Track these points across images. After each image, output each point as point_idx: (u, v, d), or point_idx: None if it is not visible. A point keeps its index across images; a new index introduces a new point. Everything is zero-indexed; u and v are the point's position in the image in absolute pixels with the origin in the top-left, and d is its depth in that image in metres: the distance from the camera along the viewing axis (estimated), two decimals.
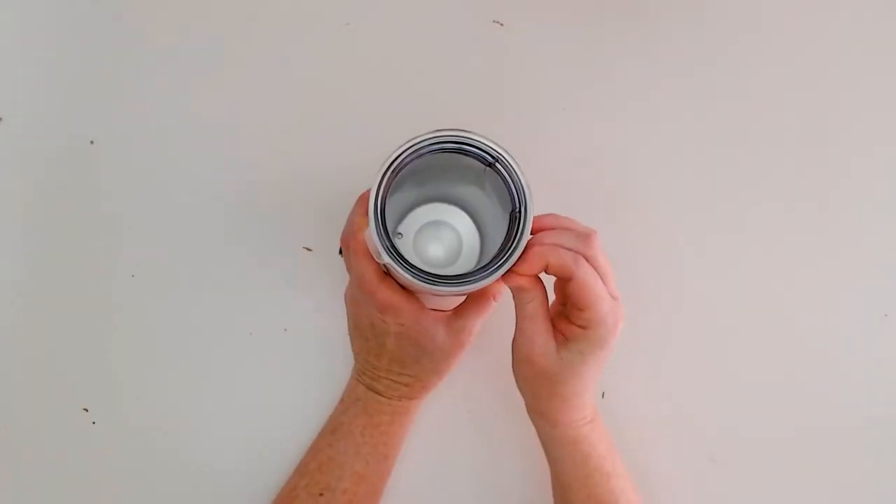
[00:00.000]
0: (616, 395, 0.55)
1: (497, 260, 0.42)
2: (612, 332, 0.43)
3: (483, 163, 0.43)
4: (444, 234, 0.53)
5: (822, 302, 0.56)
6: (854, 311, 0.56)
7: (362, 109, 0.58)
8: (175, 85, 0.58)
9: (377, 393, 0.50)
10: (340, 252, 0.48)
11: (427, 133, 0.42)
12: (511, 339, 0.45)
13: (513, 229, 0.43)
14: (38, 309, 0.55)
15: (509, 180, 0.43)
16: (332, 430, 0.51)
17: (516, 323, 0.45)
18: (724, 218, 0.57)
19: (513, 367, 0.46)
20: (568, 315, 0.44)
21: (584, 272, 0.42)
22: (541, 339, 0.44)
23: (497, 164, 0.43)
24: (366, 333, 0.48)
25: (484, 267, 0.42)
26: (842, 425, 0.55)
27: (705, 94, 0.59)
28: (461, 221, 0.53)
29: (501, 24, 0.59)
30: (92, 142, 0.57)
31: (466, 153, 0.43)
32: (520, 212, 0.43)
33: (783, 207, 0.58)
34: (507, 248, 0.42)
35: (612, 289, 0.43)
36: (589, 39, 0.59)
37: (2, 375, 0.55)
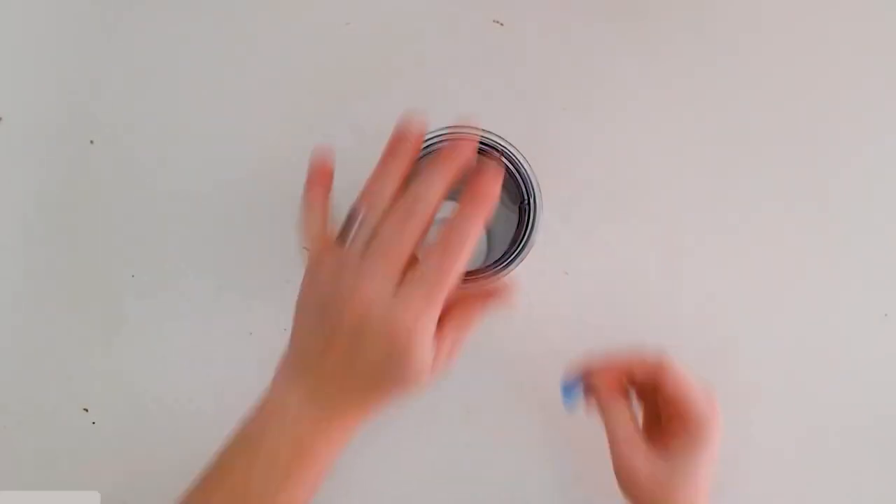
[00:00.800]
0: None
1: (509, 254, 0.42)
2: (715, 425, 0.42)
3: (488, 157, 0.43)
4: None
5: (822, 302, 0.56)
6: (854, 311, 0.56)
7: (362, 109, 0.58)
8: (175, 85, 0.58)
9: (316, 402, 0.39)
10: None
11: (436, 129, 0.42)
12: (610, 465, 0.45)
13: (523, 221, 0.43)
14: (39, 309, 0.55)
15: (516, 173, 0.43)
16: (250, 451, 0.40)
17: (612, 450, 0.44)
18: (723, 218, 0.57)
19: (622, 493, 0.44)
20: (665, 424, 0.43)
21: (674, 369, 0.42)
22: (641, 458, 0.42)
23: (502, 158, 0.43)
24: (341, 329, 0.38)
25: (497, 262, 0.42)
26: (842, 425, 0.55)
27: (706, 93, 0.59)
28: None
29: (501, 24, 0.59)
30: (92, 142, 0.57)
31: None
32: (529, 204, 0.42)
33: (783, 207, 0.58)
34: (519, 242, 0.42)
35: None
36: (589, 39, 0.59)
37: (2, 375, 0.55)
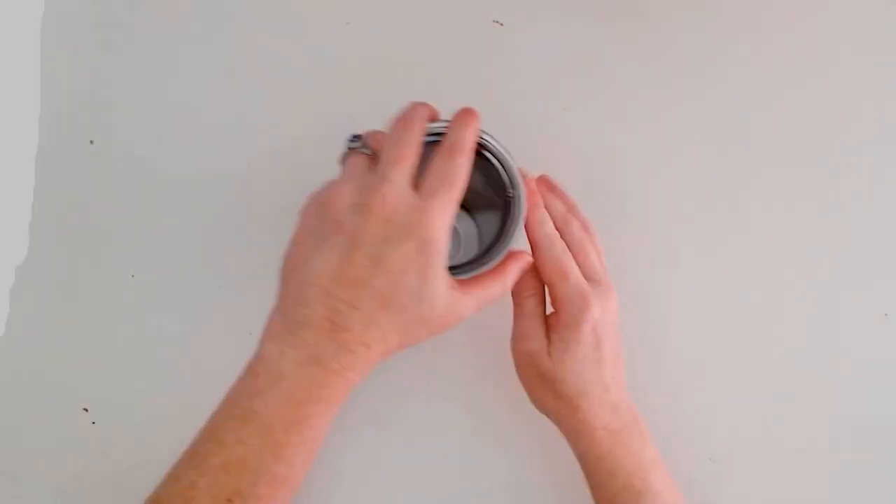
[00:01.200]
0: None
1: (496, 244, 0.43)
2: (581, 314, 0.41)
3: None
4: None
5: (823, 302, 0.56)
6: (854, 311, 0.56)
7: (362, 109, 0.58)
8: (175, 85, 0.58)
9: (314, 364, 0.36)
10: (354, 140, 0.42)
11: (436, 124, 0.43)
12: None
13: (508, 213, 0.43)
14: (38, 308, 0.55)
15: (499, 165, 0.44)
16: (243, 419, 0.37)
17: (514, 326, 0.45)
18: (723, 218, 0.57)
19: (517, 371, 0.46)
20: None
21: (549, 242, 0.42)
22: (536, 336, 0.43)
23: (484, 151, 0.44)
24: (361, 241, 0.36)
25: (483, 252, 0.43)
26: (842, 425, 0.55)
27: (706, 93, 0.59)
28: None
29: (501, 24, 0.59)
30: (92, 142, 0.57)
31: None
32: (513, 196, 0.43)
33: (783, 207, 0.58)
34: (505, 232, 0.43)
35: (588, 270, 0.43)
36: (589, 39, 0.59)
37: (2, 375, 0.55)
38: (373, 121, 0.57)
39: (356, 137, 0.41)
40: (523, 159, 0.57)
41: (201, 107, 0.58)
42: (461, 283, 0.40)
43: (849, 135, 0.58)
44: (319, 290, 0.36)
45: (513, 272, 0.42)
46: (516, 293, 0.44)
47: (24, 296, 0.55)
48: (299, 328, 0.36)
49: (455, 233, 0.53)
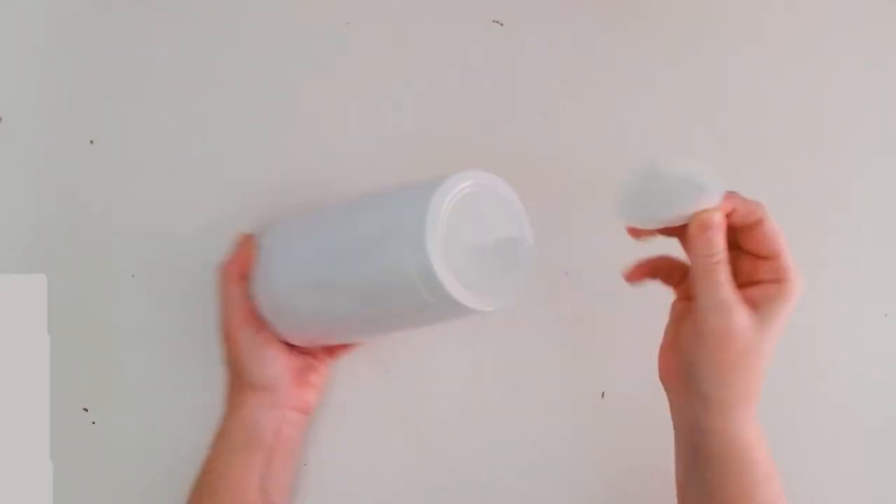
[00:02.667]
0: (616, 395, 0.55)
1: None
2: (801, 280, 0.40)
3: None
4: None
5: (823, 302, 0.56)
6: (854, 311, 0.56)
7: (362, 109, 0.58)
8: (175, 85, 0.58)
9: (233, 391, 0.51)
10: None
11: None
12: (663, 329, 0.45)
13: None
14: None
15: None
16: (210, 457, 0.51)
17: (700, 302, 0.40)
18: None
19: (688, 348, 0.41)
20: (751, 273, 0.41)
21: (771, 216, 0.40)
22: (739, 308, 0.39)
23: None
24: None
25: None
26: (842, 425, 0.55)
27: (706, 93, 0.59)
28: None
29: (501, 24, 0.59)
30: (92, 142, 0.57)
31: None
32: None
33: (783, 207, 0.57)
34: None
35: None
36: (589, 39, 0.59)
37: (2, 375, 0.55)
38: (371, 120, 0.58)
39: None
40: (523, 159, 0.57)
41: (201, 106, 0.57)
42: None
43: (849, 135, 0.58)
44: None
45: None
46: (704, 252, 0.40)
47: (24, 296, 0.55)
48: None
49: None
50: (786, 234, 0.57)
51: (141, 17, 0.59)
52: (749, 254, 0.42)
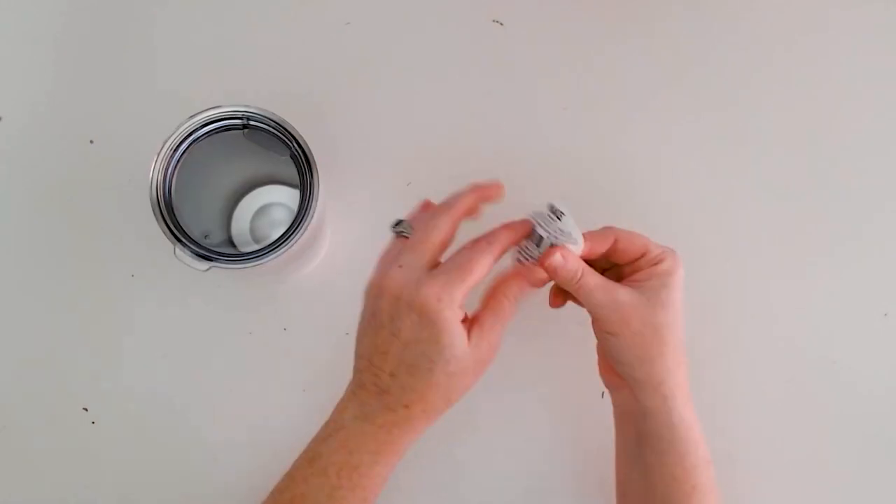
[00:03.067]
0: None
1: (289, 231, 0.44)
2: (675, 256, 0.46)
3: (242, 129, 0.46)
4: (276, 215, 0.55)
5: (823, 302, 0.56)
6: (854, 311, 0.56)
7: (361, 109, 0.58)
8: (175, 85, 0.58)
9: (365, 419, 0.43)
10: (397, 225, 0.46)
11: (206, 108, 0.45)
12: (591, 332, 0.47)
13: (302, 172, 0.45)
14: (38, 308, 0.55)
15: (274, 132, 0.46)
16: (310, 461, 0.44)
17: (590, 308, 0.45)
18: (723, 218, 0.57)
19: (606, 345, 0.46)
20: (626, 275, 0.46)
21: (617, 228, 0.46)
22: (617, 287, 0.44)
23: (251, 122, 0.45)
24: (382, 319, 0.42)
25: (278, 239, 0.44)
26: (842, 425, 0.55)
27: (706, 92, 0.59)
28: (287, 196, 0.55)
29: (501, 24, 0.59)
30: (92, 142, 0.57)
31: (227, 129, 0.46)
32: (298, 153, 0.45)
33: (783, 207, 0.58)
34: (306, 195, 0.45)
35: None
36: (589, 39, 0.59)
37: (2, 375, 0.55)
38: (371, 120, 0.58)
39: (398, 222, 0.45)
40: (524, 159, 0.58)
41: (201, 106, 0.57)
42: (473, 330, 0.43)
43: (850, 135, 0.58)
44: (366, 360, 0.43)
45: (509, 293, 0.45)
46: (570, 281, 0.44)
47: (25, 295, 0.55)
48: (359, 389, 0.44)
49: (290, 212, 0.54)
50: (786, 233, 0.57)
51: (140, 17, 0.59)
52: (626, 263, 0.47)
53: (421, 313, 0.41)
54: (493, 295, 0.44)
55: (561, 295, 0.50)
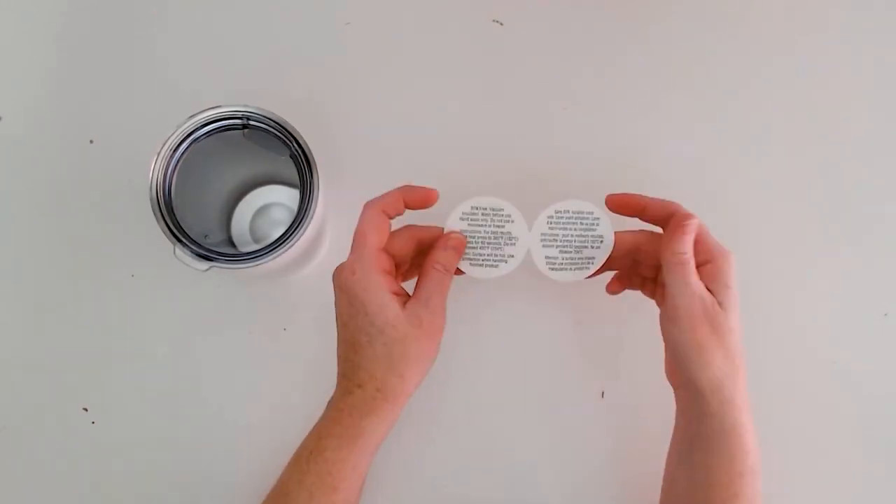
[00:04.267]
0: (616, 395, 0.55)
1: (289, 230, 0.45)
2: (730, 262, 0.46)
3: (242, 129, 0.46)
4: (276, 215, 0.55)
5: (823, 302, 0.56)
6: (854, 311, 0.56)
7: (361, 109, 0.58)
8: (174, 85, 0.58)
9: (332, 406, 0.45)
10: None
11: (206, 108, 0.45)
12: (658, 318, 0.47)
13: (302, 172, 0.45)
14: (39, 309, 0.55)
15: (274, 132, 0.46)
16: (297, 449, 0.46)
17: (672, 294, 0.44)
18: (724, 217, 0.57)
19: (671, 341, 0.45)
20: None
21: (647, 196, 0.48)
22: (701, 286, 0.44)
23: (251, 122, 0.46)
24: (336, 313, 0.45)
25: (279, 238, 0.45)
26: (841, 425, 0.55)
27: (707, 91, 0.59)
28: (287, 196, 0.55)
29: (501, 24, 0.59)
30: (92, 141, 0.57)
31: (227, 129, 0.46)
32: (298, 153, 0.45)
33: (783, 207, 0.58)
34: (306, 195, 0.45)
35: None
36: (589, 38, 0.59)
37: (2, 375, 0.55)
38: (371, 120, 0.58)
39: None
40: (524, 159, 0.58)
41: (200, 106, 0.57)
42: (410, 300, 0.44)
43: (850, 135, 0.58)
44: (339, 355, 0.45)
45: (441, 257, 0.45)
46: (678, 241, 0.45)
47: (25, 296, 0.55)
48: (338, 381, 0.45)
49: (290, 212, 0.55)
50: (786, 233, 0.57)
51: (140, 17, 0.59)
52: (658, 222, 0.48)
53: (343, 290, 0.43)
54: (424, 266, 0.45)
55: (622, 281, 0.51)
